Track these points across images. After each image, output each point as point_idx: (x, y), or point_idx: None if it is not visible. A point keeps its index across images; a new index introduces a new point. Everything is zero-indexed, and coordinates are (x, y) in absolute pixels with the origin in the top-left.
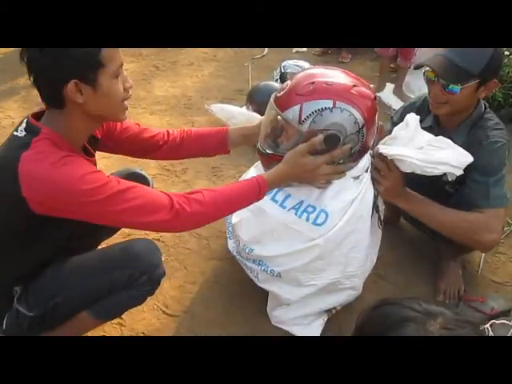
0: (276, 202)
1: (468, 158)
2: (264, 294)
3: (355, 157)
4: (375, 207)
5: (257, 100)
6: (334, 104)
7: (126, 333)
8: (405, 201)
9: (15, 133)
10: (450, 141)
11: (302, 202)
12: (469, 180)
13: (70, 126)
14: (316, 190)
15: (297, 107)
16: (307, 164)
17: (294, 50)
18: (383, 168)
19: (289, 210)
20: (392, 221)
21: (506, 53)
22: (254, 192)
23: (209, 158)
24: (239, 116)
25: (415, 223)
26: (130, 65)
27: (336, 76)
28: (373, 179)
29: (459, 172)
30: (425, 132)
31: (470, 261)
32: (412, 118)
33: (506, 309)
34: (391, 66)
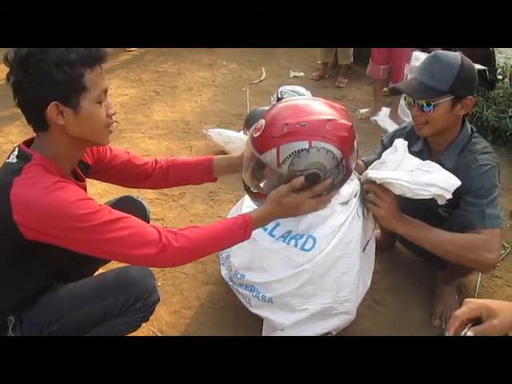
0: (265, 229)
1: (456, 182)
2: (259, 320)
3: (338, 186)
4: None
5: (253, 125)
6: (310, 144)
7: None
8: (403, 225)
9: (8, 160)
10: (437, 165)
11: (290, 232)
12: (463, 203)
13: (55, 149)
14: (304, 219)
15: (274, 150)
16: (290, 203)
17: (292, 74)
18: (376, 192)
19: (277, 238)
20: (388, 245)
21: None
22: (241, 231)
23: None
24: (236, 141)
25: (411, 247)
26: (130, 90)
27: (310, 112)
28: (369, 205)
29: (448, 195)
30: (413, 156)
31: (466, 285)
32: (400, 143)
33: (504, 335)
34: (384, 89)
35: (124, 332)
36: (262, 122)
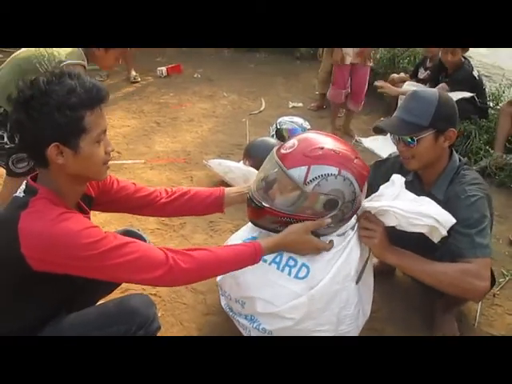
0: None
1: (451, 219)
2: None
3: (344, 222)
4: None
5: (253, 155)
6: (340, 172)
7: None
8: (393, 256)
9: (15, 194)
10: (433, 201)
11: (282, 255)
12: (453, 232)
13: (57, 184)
14: None
15: (304, 168)
16: (309, 242)
17: (291, 104)
18: (368, 224)
19: (270, 263)
20: (387, 272)
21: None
22: (250, 258)
23: None
24: (236, 170)
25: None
26: (132, 121)
27: (342, 144)
28: (361, 236)
29: (444, 232)
30: (409, 192)
31: (467, 313)
32: (397, 178)
33: None
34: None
35: None
36: (294, 141)
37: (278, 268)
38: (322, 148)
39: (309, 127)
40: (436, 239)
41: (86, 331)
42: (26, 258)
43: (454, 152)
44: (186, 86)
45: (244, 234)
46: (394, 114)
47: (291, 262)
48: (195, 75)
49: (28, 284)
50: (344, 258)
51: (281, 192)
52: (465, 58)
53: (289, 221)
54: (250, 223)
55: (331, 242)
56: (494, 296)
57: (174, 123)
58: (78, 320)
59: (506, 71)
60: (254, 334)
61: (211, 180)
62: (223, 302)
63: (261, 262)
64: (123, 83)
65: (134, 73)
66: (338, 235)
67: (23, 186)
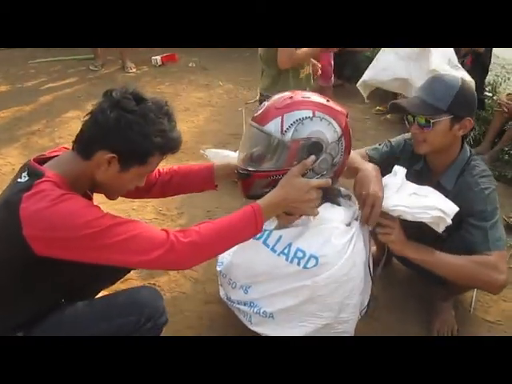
0: (267, 246)
1: (454, 207)
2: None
3: (337, 171)
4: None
5: None
6: (314, 113)
7: None
8: (412, 250)
9: (19, 179)
10: (434, 190)
11: (290, 245)
12: (466, 225)
13: (79, 175)
14: (305, 232)
15: (278, 119)
16: (301, 184)
17: None
18: (384, 221)
19: (279, 254)
20: (385, 262)
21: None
22: (251, 220)
23: (204, 202)
24: (234, 160)
25: (407, 263)
26: None
27: (311, 94)
28: (379, 234)
29: (449, 220)
30: (410, 183)
31: (462, 301)
32: (399, 169)
33: None
34: None
35: None
36: (264, 103)
37: (286, 260)
38: (291, 97)
39: None
40: (441, 229)
41: (94, 321)
42: (28, 240)
43: (466, 144)
44: (181, 75)
45: None
46: (415, 94)
47: (299, 254)
48: (190, 64)
49: (32, 270)
50: (351, 249)
51: (264, 152)
52: None
53: (278, 178)
54: None
55: (327, 181)
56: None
57: None
58: (86, 310)
59: (501, 59)
60: (254, 319)
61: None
62: (222, 293)
63: (270, 252)
64: (118, 73)
65: (129, 63)
66: (345, 225)
67: (26, 170)
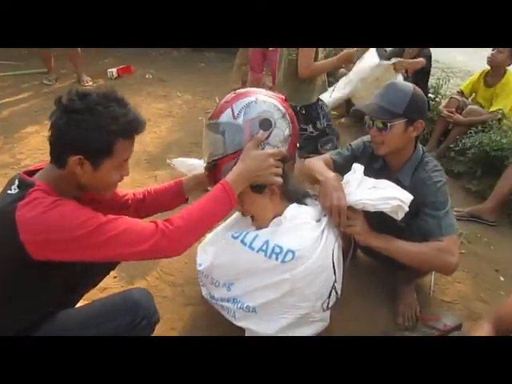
0: (245, 244)
1: (409, 196)
2: (243, 333)
3: (289, 143)
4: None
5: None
6: (257, 98)
7: None
8: (377, 240)
9: (9, 191)
10: (391, 182)
11: (267, 242)
12: (422, 215)
13: (62, 183)
14: (279, 229)
15: (228, 110)
16: (257, 155)
17: None
18: (349, 214)
19: (258, 251)
20: (351, 254)
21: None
22: (223, 195)
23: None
24: (200, 168)
25: (371, 254)
26: None
27: (250, 88)
28: (345, 228)
29: (406, 208)
30: (369, 178)
31: (423, 284)
32: (358, 167)
33: (457, 324)
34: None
35: None
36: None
37: (265, 255)
38: (235, 91)
39: None
40: (400, 217)
41: (91, 324)
42: (25, 245)
43: (419, 143)
44: (139, 86)
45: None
46: (374, 101)
47: (277, 249)
48: (147, 76)
49: (29, 277)
50: (324, 242)
51: (224, 140)
52: None
53: None
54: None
55: (280, 150)
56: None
57: None
58: (84, 314)
59: (441, 63)
60: (238, 314)
61: (175, 178)
62: (204, 292)
63: (249, 249)
64: (74, 86)
65: (84, 76)
66: (316, 221)
67: (16, 183)
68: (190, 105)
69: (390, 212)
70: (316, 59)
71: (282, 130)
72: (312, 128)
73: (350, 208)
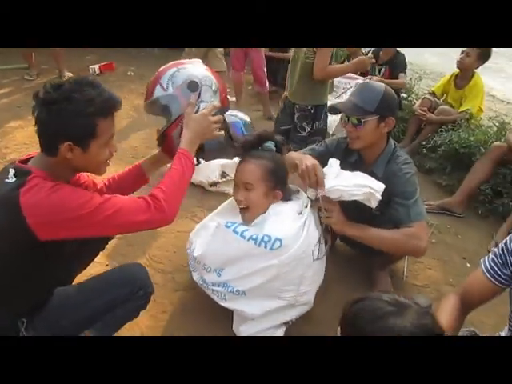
0: (237, 233)
1: (382, 185)
2: (229, 317)
3: (219, 95)
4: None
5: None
6: (178, 68)
7: None
8: (352, 229)
9: (6, 180)
10: (365, 174)
11: (257, 232)
12: (393, 204)
13: (56, 169)
14: (266, 222)
15: (157, 86)
16: (197, 117)
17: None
18: (326, 206)
19: (248, 239)
20: (330, 243)
21: None
22: (185, 160)
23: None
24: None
25: (349, 243)
26: None
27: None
28: (322, 219)
29: (379, 196)
30: (345, 171)
31: (396, 270)
32: (334, 161)
33: (427, 305)
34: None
35: (127, 319)
36: None
37: (255, 244)
38: (157, 72)
39: (249, 119)
40: (373, 205)
41: (93, 298)
42: (32, 228)
43: (391, 138)
44: (121, 83)
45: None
46: (349, 98)
47: (266, 238)
48: (128, 73)
49: (34, 257)
50: (306, 232)
51: (165, 112)
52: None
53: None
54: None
55: (213, 105)
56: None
57: (116, 120)
58: (84, 288)
59: (414, 65)
60: (228, 296)
61: (160, 172)
62: (195, 277)
63: (240, 238)
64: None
65: (66, 72)
66: (298, 213)
67: (11, 171)
68: None
69: (363, 200)
70: (330, 62)
71: (209, 85)
72: (310, 128)
73: (326, 199)
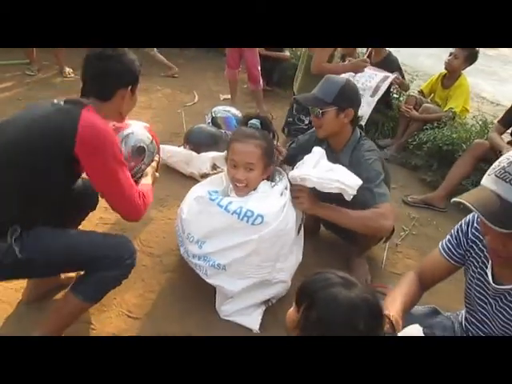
0: (221, 206)
1: (359, 181)
2: (212, 295)
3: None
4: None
5: (192, 140)
6: (133, 130)
7: (98, 335)
8: (321, 210)
9: (53, 101)
10: (345, 168)
11: (241, 206)
12: (359, 189)
13: (107, 111)
14: (251, 197)
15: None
16: (149, 171)
17: (222, 97)
18: (296, 193)
19: (232, 213)
20: (314, 230)
21: None
22: (151, 190)
23: (156, 191)
24: (178, 154)
25: (333, 230)
26: None
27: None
28: (294, 203)
29: (353, 192)
30: (327, 161)
31: (375, 258)
32: (317, 149)
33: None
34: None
35: (111, 285)
36: None
37: (238, 218)
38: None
39: (240, 115)
40: (348, 197)
41: (91, 246)
42: (77, 140)
43: (357, 128)
44: None
45: (201, 188)
46: (312, 91)
47: (249, 213)
48: None
49: (62, 170)
50: (286, 211)
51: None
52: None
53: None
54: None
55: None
56: (396, 245)
57: None
58: (86, 235)
59: (408, 66)
60: (209, 271)
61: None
62: (182, 250)
63: (224, 211)
64: (56, 78)
65: (67, 68)
66: (280, 194)
67: (59, 102)
68: (170, 98)
69: (339, 192)
70: (330, 61)
71: (151, 151)
72: (308, 121)
73: (296, 186)
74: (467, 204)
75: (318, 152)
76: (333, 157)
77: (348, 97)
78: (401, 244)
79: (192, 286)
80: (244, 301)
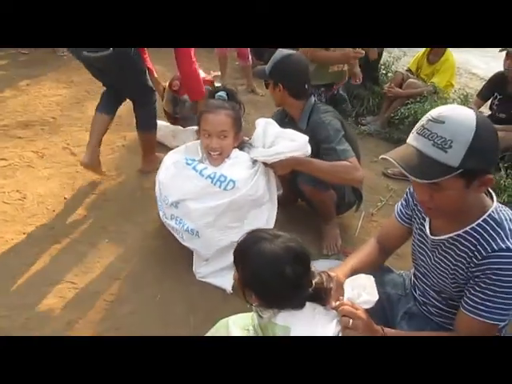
0: (196, 170)
1: (305, 138)
2: (191, 259)
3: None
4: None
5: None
6: None
7: (82, 294)
8: (300, 165)
9: None
10: (292, 130)
11: (215, 172)
12: (322, 150)
13: None
14: (225, 164)
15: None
16: None
17: (212, 74)
18: (269, 166)
19: (206, 178)
20: (291, 202)
21: None
22: None
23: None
24: (163, 128)
25: (308, 202)
26: (63, 90)
27: None
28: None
29: (305, 151)
30: (273, 126)
31: (350, 226)
32: (260, 121)
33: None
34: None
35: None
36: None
37: (211, 182)
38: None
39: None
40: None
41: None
42: None
43: (311, 96)
44: None
45: (179, 154)
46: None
47: (222, 178)
48: None
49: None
50: (256, 178)
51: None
52: None
53: None
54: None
55: None
56: (372, 215)
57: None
58: None
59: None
60: (185, 236)
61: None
62: (161, 214)
63: (199, 175)
64: (49, 56)
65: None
66: (252, 161)
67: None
68: (158, 75)
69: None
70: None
71: None
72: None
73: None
74: (391, 159)
75: (261, 123)
76: (293, 126)
77: (281, 71)
78: (376, 213)
79: (172, 251)
80: (218, 263)
